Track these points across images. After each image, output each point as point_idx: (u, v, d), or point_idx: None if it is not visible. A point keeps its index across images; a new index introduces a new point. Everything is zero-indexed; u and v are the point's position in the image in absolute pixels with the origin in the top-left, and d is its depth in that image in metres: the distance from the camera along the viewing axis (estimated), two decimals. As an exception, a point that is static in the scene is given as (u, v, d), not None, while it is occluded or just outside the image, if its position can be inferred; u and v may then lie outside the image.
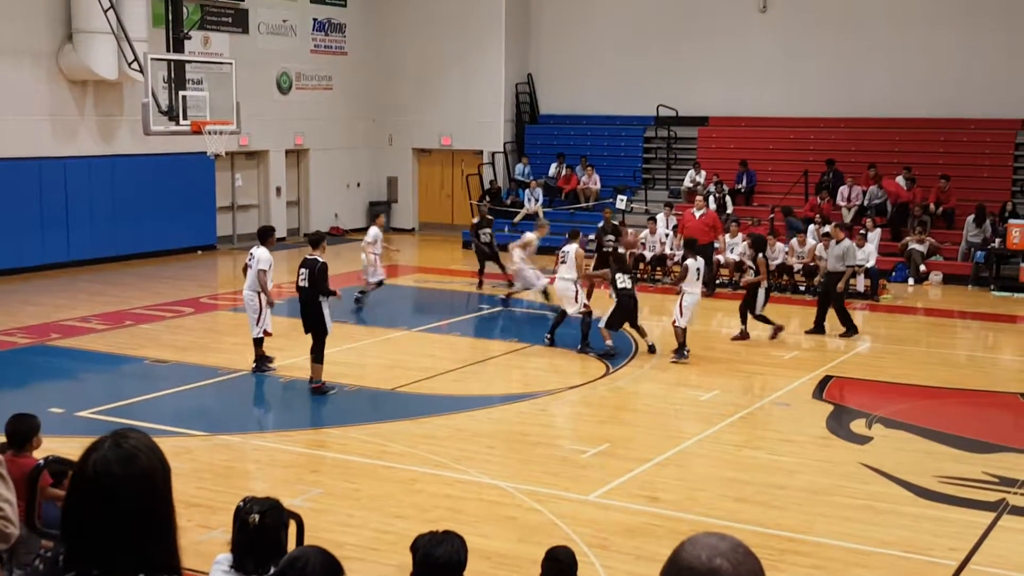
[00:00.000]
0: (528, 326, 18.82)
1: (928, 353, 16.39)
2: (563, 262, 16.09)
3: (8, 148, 21.77)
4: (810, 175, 24.75)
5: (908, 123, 25.34)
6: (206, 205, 26.01)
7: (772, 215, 23.45)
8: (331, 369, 13.62)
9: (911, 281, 22.19)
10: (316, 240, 13.78)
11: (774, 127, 26.67)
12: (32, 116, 22.34)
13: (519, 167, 28.40)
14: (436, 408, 13.14)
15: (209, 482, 9.74)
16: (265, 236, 14.52)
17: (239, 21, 26.63)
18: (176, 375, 14.29)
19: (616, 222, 22.00)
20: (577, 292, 15.94)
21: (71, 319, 17.76)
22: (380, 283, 19.07)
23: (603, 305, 16.19)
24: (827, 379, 14.50)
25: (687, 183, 25.96)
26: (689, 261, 15.62)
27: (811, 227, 21.91)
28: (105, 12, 21.38)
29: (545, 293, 18.81)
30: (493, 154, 29.10)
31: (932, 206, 23.48)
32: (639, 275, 21.31)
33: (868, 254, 20.61)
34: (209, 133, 20.13)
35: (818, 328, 17.26)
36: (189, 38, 21.33)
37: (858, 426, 12.36)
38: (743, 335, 16.75)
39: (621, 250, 19.32)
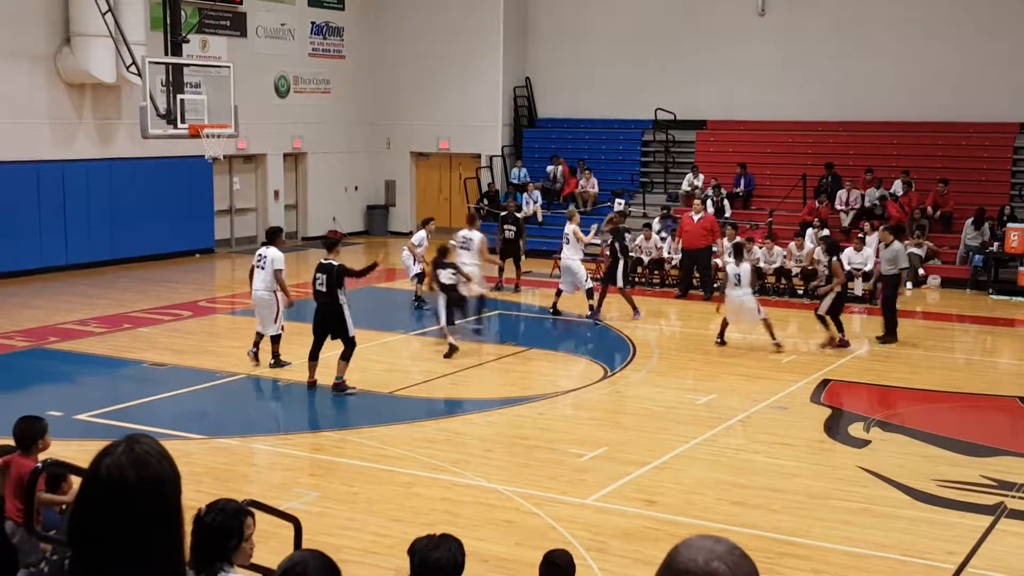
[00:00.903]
0: (526, 330, 18.83)
1: (926, 357, 16.38)
2: (466, 248, 17.76)
3: (6, 151, 21.77)
4: (808, 179, 24.77)
5: (906, 127, 25.36)
6: (204, 209, 26.01)
7: (770, 218, 23.47)
8: (330, 371, 13.61)
9: (909, 285, 22.15)
10: (331, 244, 13.89)
11: (772, 131, 26.67)
12: (30, 120, 22.34)
13: (514, 171, 28.42)
14: (434, 412, 13.15)
15: (207, 485, 9.74)
16: (274, 236, 14.79)
17: (237, 25, 26.64)
18: (174, 378, 14.28)
19: (514, 210, 22.21)
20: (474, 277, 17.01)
21: (69, 322, 17.75)
22: (419, 275, 19.14)
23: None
24: (825, 383, 14.49)
25: (685, 187, 25.97)
26: (730, 266, 16.55)
27: (809, 231, 21.90)
28: (103, 15, 21.39)
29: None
30: (491, 158, 29.12)
31: (930, 210, 23.49)
32: (635, 279, 21.31)
33: (867, 258, 20.62)
34: (207, 136, 20.13)
35: (891, 334, 16.94)
36: (187, 41, 21.32)
37: (856, 430, 12.36)
38: (841, 342, 16.49)
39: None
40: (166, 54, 20.63)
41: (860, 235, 21.31)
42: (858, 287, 20.34)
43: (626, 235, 19.34)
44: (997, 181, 24.17)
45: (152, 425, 11.79)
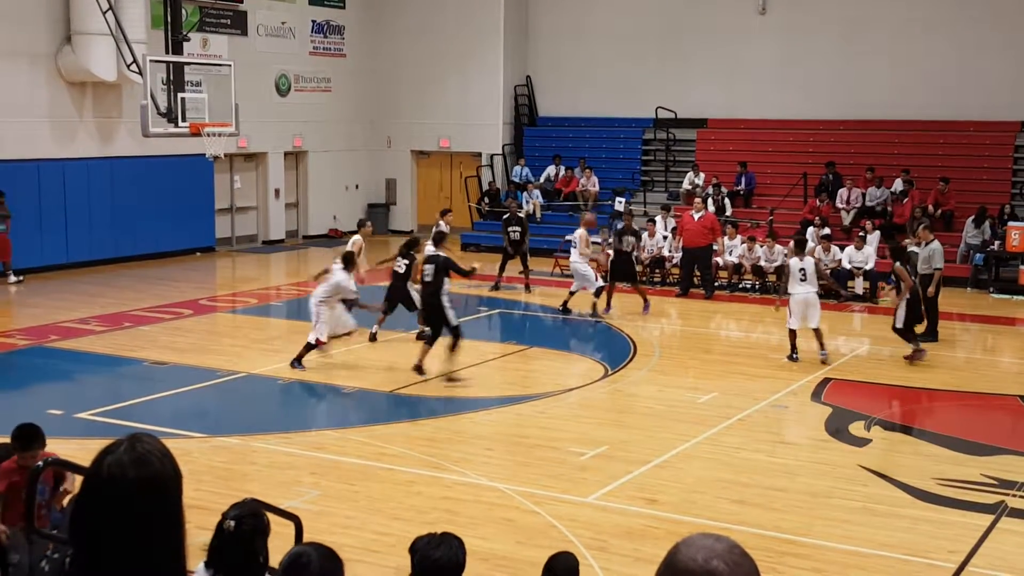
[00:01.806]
0: (527, 328, 18.83)
1: (927, 355, 16.36)
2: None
3: (7, 150, 21.77)
4: (809, 177, 24.76)
5: (907, 125, 25.35)
6: (205, 207, 26.01)
7: (771, 217, 23.45)
8: (330, 371, 13.61)
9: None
10: (439, 237, 14.78)
11: (773, 129, 26.66)
12: (31, 118, 22.34)
13: (516, 169, 28.41)
14: (434, 410, 13.15)
15: (208, 484, 9.74)
16: (348, 262, 14.77)
17: (238, 23, 26.64)
18: (175, 377, 14.28)
19: (516, 211, 22.05)
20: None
21: (70, 321, 17.75)
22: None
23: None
24: (826, 381, 14.49)
25: (686, 185, 25.96)
26: (793, 260, 15.32)
27: (810, 230, 21.88)
28: (104, 14, 21.38)
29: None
30: (492, 156, 29.11)
31: (931, 208, 23.47)
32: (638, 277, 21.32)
33: (867, 256, 20.61)
34: (208, 135, 20.11)
35: (931, 334, 16.70)
36: (188, 40, 21.32)
37: (857, 428, 12.35)
38: (916, 353, 15.51)
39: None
40: (167, 52, 20.62)
41: (860, 234, 21.30)
42: (858, 286, 20.33)
43: (642, 234, 19.54)
44: (998, 180, 24.15)
45: (152, 424, 11.78)
